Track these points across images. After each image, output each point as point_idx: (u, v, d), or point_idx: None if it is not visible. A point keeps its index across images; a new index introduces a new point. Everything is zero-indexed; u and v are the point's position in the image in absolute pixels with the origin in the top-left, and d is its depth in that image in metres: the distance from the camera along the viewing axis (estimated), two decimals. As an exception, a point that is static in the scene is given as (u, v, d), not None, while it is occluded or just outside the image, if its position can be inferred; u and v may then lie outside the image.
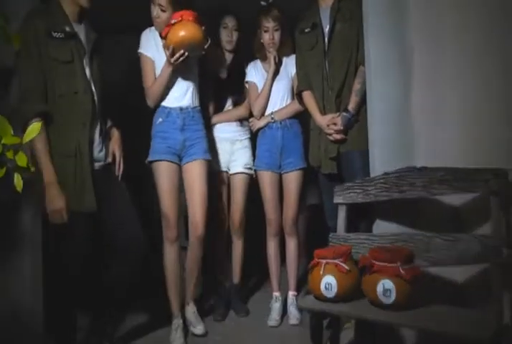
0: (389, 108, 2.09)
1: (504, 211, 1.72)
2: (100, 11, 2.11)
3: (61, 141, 2.00)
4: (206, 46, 2.34)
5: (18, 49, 1.87)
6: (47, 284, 2.06)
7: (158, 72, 2.44)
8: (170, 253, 2.45)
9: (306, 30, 2.44)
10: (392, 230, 2.02)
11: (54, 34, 2.00)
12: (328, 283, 1.75)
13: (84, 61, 2.09)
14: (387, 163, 2.07)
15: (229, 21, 2.74)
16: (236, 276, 2.83)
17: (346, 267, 1.78)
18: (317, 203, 3.01)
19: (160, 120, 2.47)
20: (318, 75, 2.38)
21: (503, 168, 1.72)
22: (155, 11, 2.39)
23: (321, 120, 2.36)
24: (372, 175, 2.11)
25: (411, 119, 2.06)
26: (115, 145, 2.23)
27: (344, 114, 2.29)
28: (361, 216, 2.24)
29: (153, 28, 2.47)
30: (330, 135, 2.33)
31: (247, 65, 2.79)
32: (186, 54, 2.29)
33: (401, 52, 2.10)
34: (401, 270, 1.62)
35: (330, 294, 1.76)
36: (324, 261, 1.82)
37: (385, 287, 1.64)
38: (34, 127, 1.50)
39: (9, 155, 1.41)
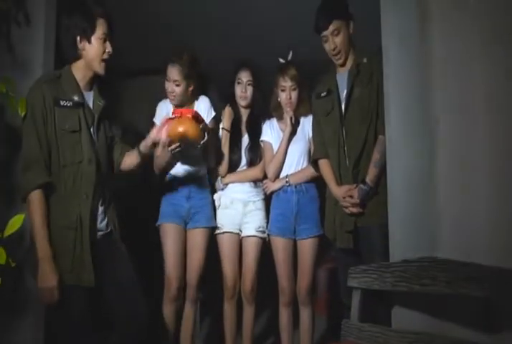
0: (410, 184, 1.90)
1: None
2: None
3: (61, 213, 1.92)
4: (202, 142, 2.29)
5: (24, 114, 1.88)
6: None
7: None
8: (167, 310, 2.51)
9: (322, 94, 2.32)
10: (411, 324, 1.80)
11: (62, 103, 1.95)
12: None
13: (92, 129, 2.03)
14: (408, 245, 1.88)
15: (244, 76, 2.63)
16: (246, 343, 2.66)
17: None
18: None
19: (168, 175, 2.55)
20: (335, 143, 2.25)
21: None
22: (170, 86, 2.48)
23: (337, 191, 2.21)
24: (391, 258, 1.92)
25: (435, 199, 1.86)
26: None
27: (362, 186, 2.14)
28: (378, 299, 2.04)
29: (167, 100, 2.56)
30: (346, 207, 2.16)
31: (263, 122, 2.67)
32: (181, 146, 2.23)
33: (425, 121, 1.90)
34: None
35: None
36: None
37: None
38: (15, 221, 1.40)
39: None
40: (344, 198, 2.16)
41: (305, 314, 2.51)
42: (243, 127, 2.69)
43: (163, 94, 2.63)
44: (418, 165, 1.90)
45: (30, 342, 1.96)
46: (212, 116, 2.56)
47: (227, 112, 2.62)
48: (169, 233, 2.51)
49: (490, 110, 1.83)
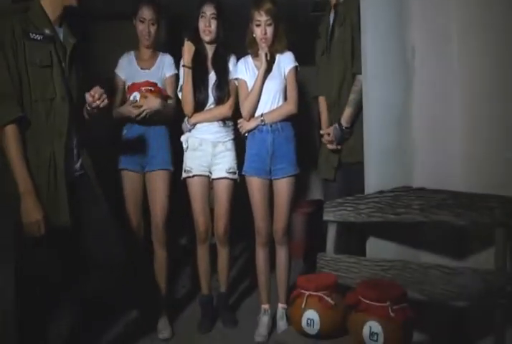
0: (386, 118, 1.90)
1: (510, 243, 1.52)
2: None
3: (34, 150, 1.84)
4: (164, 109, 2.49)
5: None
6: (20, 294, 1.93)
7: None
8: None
9: (320, 35, 2.34)
10: (385, 254, 1.84)
11: (32, 36, 1.84)
12: (310, 319, 1.59)
13: (63, 65, 1.92)
14: (383, 178, 1.89)
15: (208, 10, 2.50)
16: (222, 285, 2.69)
17: (331, 302, 1.61)
18: (320, 199, 2.85)
19: (125, 131, 2.54)
20: (325, 82, 2.29)
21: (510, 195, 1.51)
22: (146, 27, 2.52)
23: (322, 127, 2.28)
24: (366, 191, 1.93)
25: (411, 131, 1.86)
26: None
27: (336, 126, 2.19)
28: (352, 231, 2.07)
29: (130, 53, 2.61)
30: (326, 143, 2.24)
31: (230, 59, 2.57)
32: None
33: (401, 54, 1.87)
34: (391, 312, 1.44)
35: (313, 331, 1.60)
36: (307, 292, 1.65)
37: (372, 329, 1.46)
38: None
39: None
40: (323, 135, 2.24)
41: (281, 253, 2.51)
42: (209, 64, 2.57)
43: (130, 40, 2.61)
44: (393, 98, 1.89)
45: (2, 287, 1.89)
46: (173, 73, 2.61)
47: (186, 47, 2.48)
48: (127, 180, 2.53)
49: (466, 41, 1.80)
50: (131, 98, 2.46)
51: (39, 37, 1.85)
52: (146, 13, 2.51)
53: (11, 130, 1.78)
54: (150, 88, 2.48)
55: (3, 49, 1.79)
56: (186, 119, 2.59)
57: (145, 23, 2.51)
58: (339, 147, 2.20)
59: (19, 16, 1.84)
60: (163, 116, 2.52)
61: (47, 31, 1.87)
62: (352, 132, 2.16)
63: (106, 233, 2.05)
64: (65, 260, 1.95)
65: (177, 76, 2.61)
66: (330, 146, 2.22)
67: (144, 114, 2.44)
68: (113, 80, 2.58)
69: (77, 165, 1.99)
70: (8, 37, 1.80)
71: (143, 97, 2.45)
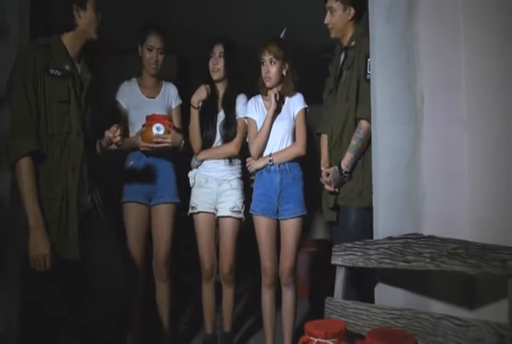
0: (395, 163, 1.91)
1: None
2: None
3: (48, 184, 1.87)
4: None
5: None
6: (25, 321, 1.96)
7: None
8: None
9: (330, 73, 2.36)
10: (395, 301, 1.82)
11: (52, 71, 1.90)
12: (319, 368, 1.55)
13: (80, 101, 1.97)
14: (391, 223, 1.88)
15: (216, 49, 2.57)
16: (226, 324, 2.66)
17: (340, 351, 1.58)
18: (325, 238, 2.83)
19: (132, 162, 2.51)
20: (329, 121, 2.30)
21: (523, 247, 1.51)
22: (153, 55, 2.54)
23: (322, 167, 2.27)
24: (375, 236, 1.92)
25: (420, 177, 1.87)
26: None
27: (336, 169, 2.19)
28: (361, 276, 2.06)
29: (132, 80, 2.61)
30: (324, 184, 2.25)
31: (239, 97, 2.63)
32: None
33: (411, 100, 1.91)
34: (402, 367, 1.42)
35: (321, 381, 1.57)
36: (316, 340, 1.63)
37: (382, 383, 1.43)
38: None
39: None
40: (322, 174, 2.24)
41: (287, 294, 2.48)
42: (219, 103, 2.62)
43: (133, 73, 2.65)
44: (402, 145, 1.90)
45: (6, 313, 1.93)
46: (179, 104, 2.65)
47: (199, 90, 2.54)
48: (132, 212, 2.49)
49: (475, 88, 1.83)
50: (154, 129, 2.43)
51: (59, 73, 1.91)
52: (154, 41, 2.53)
53: (25, 163, 1.81)
54: (171, 122, 2.50)
55: (24, 82, 1.84)
56: (194, 155, 2.61)
57: (153, 51, 2.53)
58: (336, 190, 2.20)
59: (41, 51, 1.90)
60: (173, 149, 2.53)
61: (67, 67, 1.93)
62: (351, 177, 2.17)
63: (113, 263, 2.05)
64: (69, 292, 1.95)
65: (181, 107, 2.65)
66: (327, 187, 2.23)
67: (163, 147, 2.44)
68: (114, 108, 2.57)
69: (88, 199, 2.00)
70: (30, 72, 1.86)
71: (167, 131, 2.45)
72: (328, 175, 2.21)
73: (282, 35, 2.54)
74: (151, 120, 2.46)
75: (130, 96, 2.55)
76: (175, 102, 2.63)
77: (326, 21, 2.26)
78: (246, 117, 2.57)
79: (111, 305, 2.01)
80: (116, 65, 3.15)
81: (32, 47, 1.93)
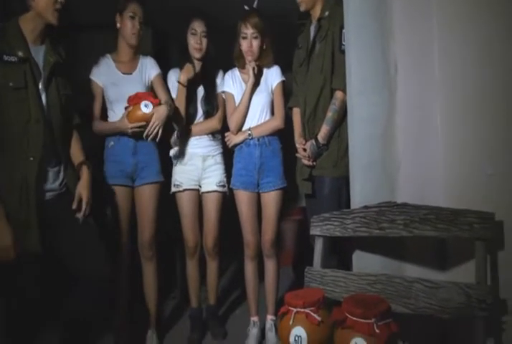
0: (370, 133, 1.93)
1: (490, 257, 1.57)
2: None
3: (8, 174, 1.84)
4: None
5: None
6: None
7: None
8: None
9: (300, 46, 2.34)
10: (371, 267, 1.87)
11: (6, 58, 1.83)
12: (298, 335, 1.61)
13: (40, 86, 1.92)
14: (368, 192, 1.92)
15: (198, 27, 2.52)
16: (211, 298, 2.71)
17: (318, 318, 1.64)
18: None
19: (112, 143, 2.45)
20: (302, 94, 2.28)
21: (489, 211, 1.56)
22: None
23: (296, 141, 2.29)
24: (352, 205, 1.97)
25: (394, 146, 1.90)
26: (83, 189, 2.03)
27: (313, 142, 2.20)
28: (339, 244, 2.11)
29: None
30: (300, 158, 2.26)
31: (217, 73, 2.61)
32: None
33: (384, 70, 1.92)
34: (376, 329, 1.47)
35: (300, 347, 1.62)
36: (294, 309, 1.68)
37: (358, 345, 1.49)
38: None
39: None
40: (299, 149, 2.25)
41: (270, 266, 2.53)
42: (197, 79, 2.59)
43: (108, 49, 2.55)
44: (377, 115, 1.92)
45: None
46: (158, 72, 2.55)
47: (186, 68, 2.51)
48: (116, 195, 2.45)
49: (448, 56, 1.85)
50: (143, 107, 2.32)
51: (13, 59, 1.84)
52: (136, 9, 2.42)
53: None
54: (155, 99, 2.38)
55: None
56: (175, 133, 2.60)
57: (136, 19, 2.42)
58: (314, 163, 2.23)
59: None
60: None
61: (20, 53, 1.86)
62: (327, 149, 2.19)
63: (90, 250, 2.01)
64: (46, 279, 1.96)
65: (162, 76, 2.57)
66: (305, 162, 2.24)
67: (157, 126, 2.33)
68: (90, 87, 2.47)
69: (56, 184, 1.97)
70: None
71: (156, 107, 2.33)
72: (304, 150, 2.22)
73: (255, 4, 2.49)
74: (136, 98, 2.36)
75: (105, 73, 2.47)
76: (154, 72, 2.52)
77: None
78: (223, 92, 2.56)
79: (93, 290, 2.00)
80: (90, 41, 3.09)
81: None
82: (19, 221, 1.82)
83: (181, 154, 2.60)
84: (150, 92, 2.46)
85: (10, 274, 1.85)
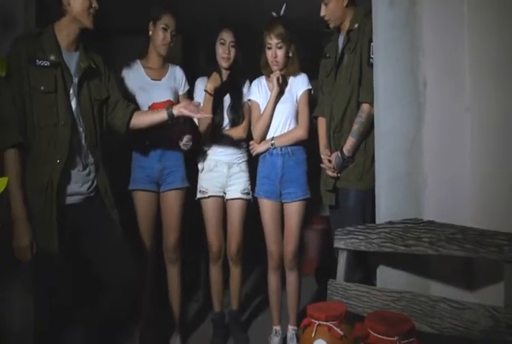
0: (397, 147, 1.91)
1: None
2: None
3: (34, 175, 1.89)
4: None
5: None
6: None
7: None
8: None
9: (327, 55, 2.33)
10: (395, 283, 1.86)
11: (38, 62, 1.89)
12: (320, 348, 1.61)
13: (71, 91, 1.96)
14: (393, 207, 1.90)
15: (227, 37, 2.55)
16: (234, 303, 2.73)
17: (340, 332, 1.63)
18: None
19: (148, 142, 2.48)
20: (328, 104, 2.28)
21: (520, 233, 1.52)
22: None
23: (322, 152, 2.28)
24: (377, 219, 1.95)
25: (421, 161, 1.87)
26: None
27: (338, 154, 2.19)
28: (362, 259, 2.10)
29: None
30: (325, 169, 2.26)
31: (244, 82, 2.63)
32: None
33: (413, 85, 1.90)
34: (399, 348, 1.46)
35: (322, 361, 1.62)
36: (317, 322, 1.68)
37: (380, 364, 1.48)
38: (0, 183, 1.37)
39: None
40: (324, 160, 2.24)
41: (291, 278, 2.52)
42: (224, 88, 2.60)
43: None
44: (405, 129, 1.90)
45: (19, 301, 1.98)
46: (187, 89, 2.62)
47: (213, 78, 2.53)
48: (141, 200, 2.49)
49: (477, 74, 1.82)
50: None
51: (45, 63, 1.89)
52: (169, 21, 2.46)
53: (10, 155, 1.83)
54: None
55: (9, 75, 1.83)
56: (185, 137, 2.49)
57: (168, 31, 2.46)
58: (339, 175, 2.22)
59: (28, 41, 1.89)
60: None
61: (53, 58, 1.91)
62: (352, 161, 2.18)
63: (119, 255, 2.05)
64: (76, 282, 1.99)
65: (189, 92, 2.63)
66: (330, 173, 2.24)
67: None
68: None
69: (84, 187, 2.00)
70: (14, 63, 1.85)
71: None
72: (329, 161, 2.22)
73: (282, 12, 2.47)
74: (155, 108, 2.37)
75: (134, 78, 2.50)
76: (183, 87, 2.60)
77: (322, 13, 2.22)
78: (249, 100, 2.57)
79: (121, 297, 2.04)
80: (122, 46, 3.13)
81: (18, 39, 1.91)
82: (41, 223, 1.87)
83: (207, 161, 2.62)
84: (169, 101, 2.45)
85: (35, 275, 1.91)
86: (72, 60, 1.99)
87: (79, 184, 1.99)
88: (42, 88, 1.89)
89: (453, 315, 1.59)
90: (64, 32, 1.97)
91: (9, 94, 1.85)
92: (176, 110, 2.16)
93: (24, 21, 2.04)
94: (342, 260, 1.99)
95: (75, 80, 1.98)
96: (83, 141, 1.99)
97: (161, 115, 2.18)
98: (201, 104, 2.53)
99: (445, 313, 1.61)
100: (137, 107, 2.30)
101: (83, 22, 1.96)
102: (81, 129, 1.99)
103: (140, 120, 2.20)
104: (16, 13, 2.04)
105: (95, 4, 1.97)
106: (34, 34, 1.94)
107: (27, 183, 1.87)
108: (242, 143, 2.63)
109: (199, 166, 2.65)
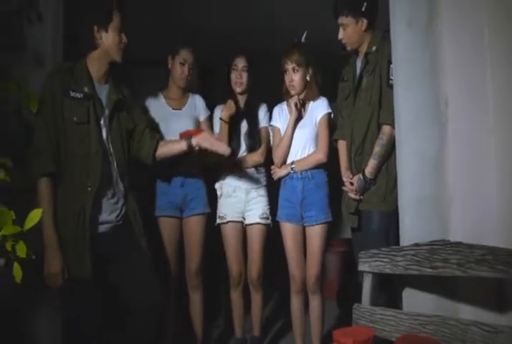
0: (421, 168, 1.90)
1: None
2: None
3: (67, 203, 1.93)
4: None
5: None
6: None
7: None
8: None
9: (344, 78, 2.36)
10: (422, 306, 1.82)
11: (72, 94, 1.97)
12: (347, 376, 1.57)
13: (102, 122, 2.04)
14: (418, 229, 1.88)
15: (239, 62, 2.62)
16: (256, 329, 2.71)
17: (369, 358, 1.59)
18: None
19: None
20: (348, 127, 2.29)
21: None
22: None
23: (343, 174, 2.29)
24: (402, 241, 1.93)
25: (445, 182, 1.85)
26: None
27: (360, 176, 2.20)
28: (387, 281, 2.06)
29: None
30: (347, 192, 2.26)
31: (260, 107, 2.69)
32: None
33: (435, 106, 1.89)
34: (430, 374, 1.42)
35: (349, 387, 1.58)
36: (344, 347, 1.64)
37: (411, 390, 1.44)
38: (35, 214, 1.40)
39: (8, 246, 1.32)
40: (346, 182, 2.25)
41: (314, 302, 2.49)
42: (241, 114, 2.66)
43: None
44: (427, 150, 1.89)
45: (48, 332, 1.99)
46: (207, 115, 2.68)
47: (228, 105, 2.59)
48: (165, 226, 2.54)
49: (500, 94, 1.81)
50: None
51: (78, 95, 1.97)
52: (187, 56, 2.56)
53: (43, 184, 1.88)
54: None
55: (43, 107, 1.88)
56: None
57: (186, 65, 2.56)
58: (361, 197, 2.22)
59: (62, 75, 1.97)
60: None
61: (86, 90, 1.99)
62: (375, 184, 2.18)
63: (146, 282, 2.06)
64: (98, 311, 1.99)
65: (210, 117, 2.69)
66: (352, 196, 2.24)
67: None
68: None
69: (113, 215, 2.04)
70: (48, 95, 1.92)
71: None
72: (351, 184, 2.22)
73: (303, 39, 2.54)
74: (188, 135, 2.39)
75: (156, 109, 2.56)
76: (203, 113, 2.66)
77: (340, 37, 2.26)
78: (271, 125, 2.61)
79: (148, 322, 2.04)
80: (140, 76, 3.22)
81: (53, 71, 2.00)
82: (73, 251, 1.89)
83: (225, 187, 2.64)
84: (199, 129, 2.51)
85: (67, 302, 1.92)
86: (103, 92, 2.07)
87: (108, 213, 2.03)
88: (75, 119, 1.95)
89: (485, 339, 1.55)
90: (96, 65, 2.06)
91: (43, 125, 1.91)
92: (195, 141, 2.19)
93: (52, 57, 2.11)
94: (367, 283, 1.96)
95: (106, 112, 2.05)
96: (113, 170, 2.05)
97: (181, 146, 2.22)
98: (218, 132, 2.59)
99: (477, 337, 1.57)
100: (161, 137, 2.36)
101: (113, 56, 2.06)
102: (111, 158, 2.05)
103: (162, 150, 2.24)
104: (45, 49, 2.10)
105: (124, 39, 2.06)
106: (66, 68, 2.02)
107: (59, 211, 1.91)
108: (260, 168, 2.66)
109: (218, 192, 2.69)
